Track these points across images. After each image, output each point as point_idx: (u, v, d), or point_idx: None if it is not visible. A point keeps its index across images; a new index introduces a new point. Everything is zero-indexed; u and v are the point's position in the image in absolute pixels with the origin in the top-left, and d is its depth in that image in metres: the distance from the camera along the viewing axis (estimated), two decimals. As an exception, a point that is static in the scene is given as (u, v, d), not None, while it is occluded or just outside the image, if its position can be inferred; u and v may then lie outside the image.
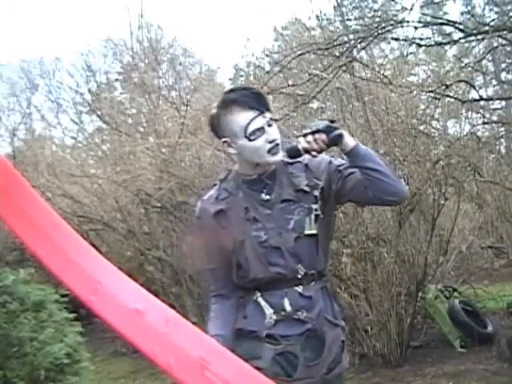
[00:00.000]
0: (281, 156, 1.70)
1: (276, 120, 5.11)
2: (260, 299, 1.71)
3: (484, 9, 6.84)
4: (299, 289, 1.70)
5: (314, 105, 6.33)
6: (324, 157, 1.76)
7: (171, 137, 6.22)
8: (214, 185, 1.83)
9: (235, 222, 1.71)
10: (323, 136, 1.62)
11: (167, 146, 6.20)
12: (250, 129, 1.65)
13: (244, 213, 1.70)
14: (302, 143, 1.65)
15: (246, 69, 8.50)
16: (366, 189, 1.66)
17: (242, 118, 1.65)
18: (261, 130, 1.66)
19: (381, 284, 4.87)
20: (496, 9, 6.21)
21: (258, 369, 1.50)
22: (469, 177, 5.50)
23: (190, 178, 5.97)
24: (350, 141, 1.65)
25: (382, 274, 4.89)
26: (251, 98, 1.67)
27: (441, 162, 5.04)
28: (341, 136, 1.64)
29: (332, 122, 1.67)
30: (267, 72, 5.25)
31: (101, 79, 9.59)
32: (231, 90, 1.75)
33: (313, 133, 1.63)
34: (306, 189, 1.71)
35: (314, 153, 1.65)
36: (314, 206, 1.70)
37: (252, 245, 1.68)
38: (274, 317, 1.68)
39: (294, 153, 1.68)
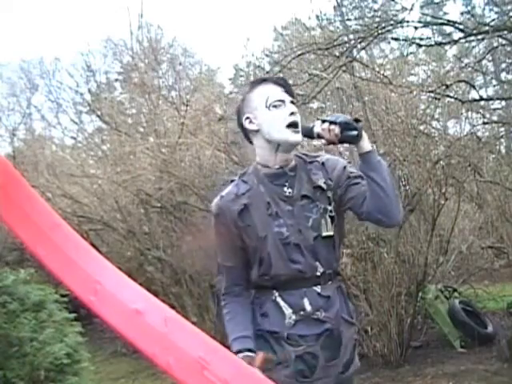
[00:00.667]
0: (300, 137, 1.69)
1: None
2: (279, 299, 1.69)
3: (484, 9, 6.82)
4: (318, 289, 1.70)
5: (314, 105, 6.33)
6: (340, 160, 1.81)
7: (171, 137, 6.22)
8: (232, 181, 1.80)
9: (258, 217, 1.69)
10: (337, 130, 1.61)
11: (167, 146, 6.20)
12: (272, 98, 1.67)
13: (266, 208, 1.69)
14: (317, 127, 1.64)
15: (245, 69, 8.50)
16: (363, 202, 1.68)
17: (266, 89, 1.70)
18: (282, 102, 1.68)
19: (381, 284, 4.87)
20: (496, 9, 6.20)
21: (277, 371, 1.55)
22: (469, 177, 5.49)
23: (189, 178, 5.97)
24: (366, 145, 1.66)
25: (382, 274, 4.89)
26: (278, 79, 1.75)
27: (441, 162, 5.03)
28: (356, 137, 1.64)
29: (357, 120, 1.65)
30: (267, 72, 5.25)
31: (101, 79, 9.58)
32: (267, 76, 1.82)
33: (330, 122, 1.61)
34: (324, 186, 1.72)
35: (323, 141, 1.65)
36: (329, 207, 1.72)
37: (274, 241, 1.67)
38: (294, 317, 1.68)
39: (307, 132, 1.67)
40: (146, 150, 6.36)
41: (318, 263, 1.69)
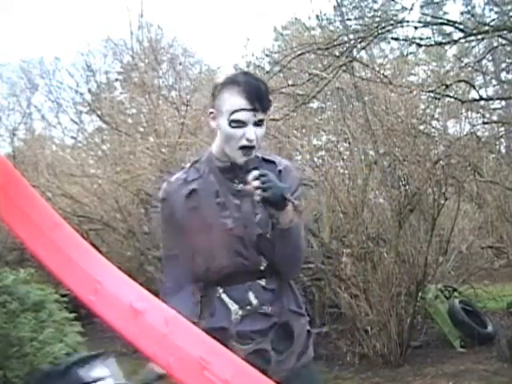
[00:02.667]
0: (248, 159, 1.64)
1: (276, 120, 5.14)
2: (223, 295, 1.66)
3: (484, 9, 6.84)
4: (262, 282, 1.66)
5: (314, 105, 6.33)
6: (296, 177, 1.76)
7: (171, 137, 6.22)
8: (182, 168, 1.77)
9: (205, 203, 1.65)
10: (258, 194, 1.53)
11: (167, 146, 6.20)
12: (234, 116, 1.59)
13: (214, 196, 1.66)
14: (250, 176, 1.56)
15: (246, 69, 8.50)
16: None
17: (234, 101, 1.60)
18: (243, 123, 1.60)
19: (381, 284, 4.87)
20: (496, 9, 6.20)
21: None
22: (469, 177, 5.49)
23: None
24: (284, 222, 1.59)
25: (382, 274, 4.89)
26: (253, 90, 1.61)
27: (441, 162, 5.04)
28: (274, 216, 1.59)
29: (285, 199, 1.55)
30: (267, 72, 5.25)
31: (101, 79, 9.57)
32: (244, 73, 1.70)
33: (258, 187, 1.53)
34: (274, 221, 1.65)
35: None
36: (276, 214, 1.62)
37: (219, 231, 1.63)
38: (240, 312, 1.64)
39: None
40: (146, 150, 6.36)
41: (261, 257, 1.65)
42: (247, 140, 1.60)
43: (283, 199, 1.54)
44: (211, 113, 1.67)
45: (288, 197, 1.55)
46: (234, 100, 1.60)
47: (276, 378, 1.54)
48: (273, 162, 1.73)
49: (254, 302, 1.64)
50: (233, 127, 1.60)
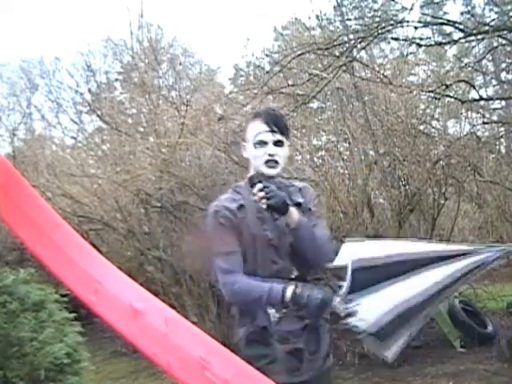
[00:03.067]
0: (275, 171, 1.99)
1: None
2: None
3: (484, 9, 6.83)
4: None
5: (314, 105, 6.33)
6: (313, 194, 2.15)
7: (171, 137, 6.21)
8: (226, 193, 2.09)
9: (251, 217, 1.95)
10: (264, 203, 1.87)
11: (167, 146, 6.19)
12: (257, 138, 2.00)
13: (256, 211, 1.95)
14: (255, 188, 1.91)
15: (245, 69, 8.50)
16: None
17: (256, 127, 2.02)
18: (265, 143, 1.99)
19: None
20: (496, 9, 6.20)
21: (270, 371, 1.70)
22: (469, 177, 5.49)
23: (190, 178, 5.96)
24: (292, 223, 1.92)
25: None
26: (270, 117, 2.04)
27: (441, 162, 5.04)
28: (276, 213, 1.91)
29: (287, 205, 1.90)
30: (267, 72, 5.25)
31: (101, 79, 9.57)
32: (265, 108, 2.26)
33: (263, 198, 1.88)
34: (302, 203, 2.03)
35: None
36: (283, 219, 1.94)
37: (261, 241, 1.93)
38: (277, 315, 1.88)
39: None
40: (146, 150, 6.36)
41: (293, 267, 1.95)
42: (269, 155, 1.98)
43: (285, 204, 1.89)
44: (243, 146, 2.10)
45: (288, 202, 1.90)
46: (256, 127, 2.03)
47: (306, 377, 1.88)
48: (292, 184, 2.13)
49: (290, 305, 1.86)
50: (257, 148, 2.00)
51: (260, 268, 1.92)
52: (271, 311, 1.89)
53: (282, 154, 2.01)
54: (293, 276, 1.93)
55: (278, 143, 2.00)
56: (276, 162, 1.99)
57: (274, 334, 1.88)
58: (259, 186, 1.88)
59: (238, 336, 1.94)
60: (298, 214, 1.93)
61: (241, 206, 1.97)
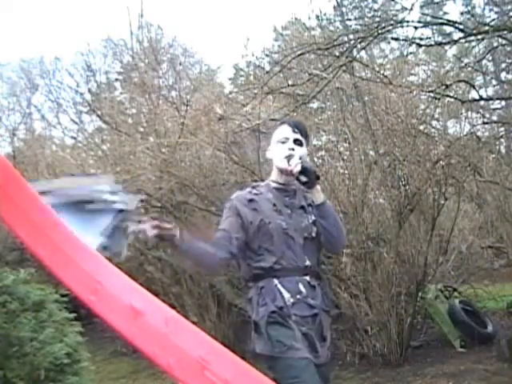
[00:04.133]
0: (294, 167, 2.14)
1: (276, 120, 5.15)
2: (279, 285, 2.08)
3: (484, 9, 6.83)
4: (307, 278, 2.13)
5: (314, 105, 6.33)
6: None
7: (171, 137, 6.21)
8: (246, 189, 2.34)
9: (264, 209, 2.19)
10: (298, 167, 2.12)
11: (167, 146, 6.19)
12: (280, 136, 2.27)
13: (272, 205, 2.21)
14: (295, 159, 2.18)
15: (245, 69, 8.51)
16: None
17: (281, 130, 2.30)
18: (287, 139, 2.24)
19: (381, 284, 4.87)
20: (496, 9, 6.20)
21: (295, 348, 1.96)
22: (469, 177, 5.49)
23: (190, 178, 5.96)
24: (317, 199, 2.18)
25: (382, 274, 4.89)
26: (294, 121, 2.38)
27: (441, 162, 5.03)
28: (304, 183, 2.14)
29: (317, 177, 2.15)
30: (267, 72, 5.25)
31: (101, 79, 9.57)
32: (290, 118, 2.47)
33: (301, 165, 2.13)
34: (313, 204, 2.22)
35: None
36: (316, 222, 2.21)
37: (276, 228, 2.15)
38: (292, 300, 2.07)
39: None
40: (146, 150, 6.35)
41: (306, 257, 2.15)
42: (289, 149, 2.21)
43: (315, 174, 2.13)
44: (268, 149, 2.36)
45: (318, 174, 2.15)
46: (281, 129, 2.31)
47: (322, 360, 2.05)
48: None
49: (304, 291, 2.10)
50: (278, 145, 2.25)
51: (278, 253, 2.12)
52: (287, 295, 2.07)
53: (299, 152, 2.21)
54: (306, 265, 2.14)
55: (297, 141, 2.24)
56: (294, 156, 2.18)
57: (291, 315, 2.05)
58: (297, 158, 2.15)
59: (258, 315, 2.08)
60: (322, 192, 2.18)
61: (252, 200, 2.22)
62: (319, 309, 2.11)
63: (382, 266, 4.91)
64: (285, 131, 2.27)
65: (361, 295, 4.90)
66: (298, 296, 2.08)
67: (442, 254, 5.42)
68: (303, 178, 2.12)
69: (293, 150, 2.21)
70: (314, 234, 2.20)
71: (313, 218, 2.21)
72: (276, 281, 2.10)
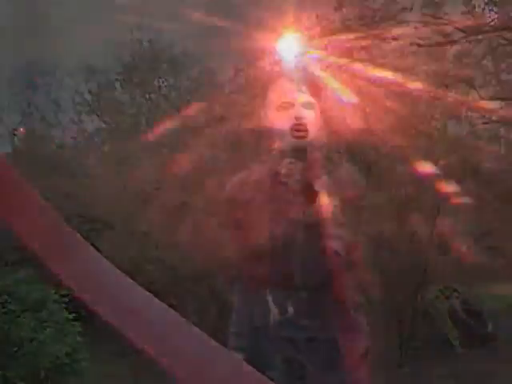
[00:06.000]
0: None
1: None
2: (269, 297, 1.71)
3: (484, 9, 6.83)
4: (304, 294, 1.70)
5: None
6: None
7: (172, 136, 6.21)
8: None
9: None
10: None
11: (168, 146, 6.20)
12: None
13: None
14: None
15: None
16: None
17: None
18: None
19: (381, 284, 4.87)
20: (496, 9, 6.20)
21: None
22: (469, 177, 5.49)
23: (189, 179, 5.96)
24: None
25: (382, 274, 4.88)
26: None
27: (441, 162, 5.03)
28: None
29: None
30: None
31: (101, 79, 9.57)
32: None
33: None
34: None
35: None
36: None
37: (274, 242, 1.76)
38: (277, 317, 1.69)
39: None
40: (146, 150, 6.36)
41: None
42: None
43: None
44: None
45: None
46: None
47: None
48: None
49: (290, 311, 1.70)
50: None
51: (273, 264, 1.94)
52: (275, 311, 1.73)
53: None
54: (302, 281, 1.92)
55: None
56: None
57: (272, 335, 1.71)
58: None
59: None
60: None
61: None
62: (318, 328, 1.72)
63: (381, 266, 4.91)
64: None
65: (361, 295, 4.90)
66: (285, 315, 1.73)
67: (442, 254, 5.41)
68: None
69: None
70: None
71: None
72: (267, 291, 1.77)
